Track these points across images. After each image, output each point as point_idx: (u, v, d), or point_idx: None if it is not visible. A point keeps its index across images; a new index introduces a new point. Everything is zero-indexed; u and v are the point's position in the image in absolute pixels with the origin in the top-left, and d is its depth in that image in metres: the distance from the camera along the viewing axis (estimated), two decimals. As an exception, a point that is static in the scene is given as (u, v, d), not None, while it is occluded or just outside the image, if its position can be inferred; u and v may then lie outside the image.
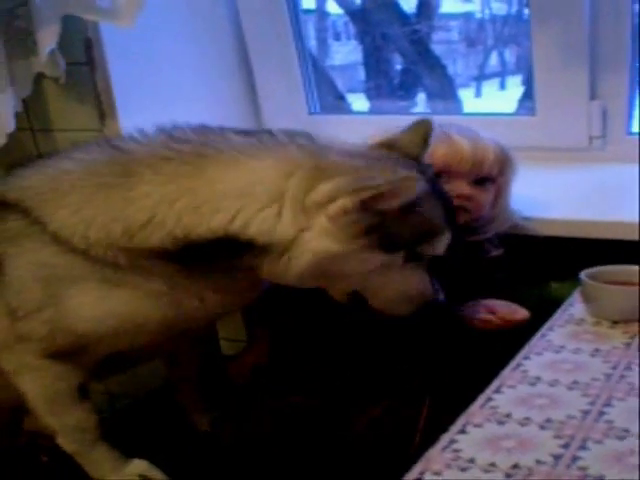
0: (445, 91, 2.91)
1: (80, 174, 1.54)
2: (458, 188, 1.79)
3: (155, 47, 2.25)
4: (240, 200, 1.45)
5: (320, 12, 3.00)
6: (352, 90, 3.03)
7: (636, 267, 1.59)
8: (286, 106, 2.55)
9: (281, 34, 2.49)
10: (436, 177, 1.66)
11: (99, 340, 1.57)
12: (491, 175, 1.85)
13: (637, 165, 2.07)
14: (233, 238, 1.45)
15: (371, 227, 1.45)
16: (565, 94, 2.21)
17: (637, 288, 1.54)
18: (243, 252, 1.48)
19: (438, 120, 1.73)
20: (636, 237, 1.82)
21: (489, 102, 3.07)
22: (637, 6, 2.12)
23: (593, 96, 2.20)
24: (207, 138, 1.54)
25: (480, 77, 3.11)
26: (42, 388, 1.62)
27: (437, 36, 2.97)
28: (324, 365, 1.79)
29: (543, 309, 1.67)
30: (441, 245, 1.57)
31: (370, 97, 3.00)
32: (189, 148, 1.52)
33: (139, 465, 1.64)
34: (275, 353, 1.90)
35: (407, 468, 1.14)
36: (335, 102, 2.86)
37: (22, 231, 1.54)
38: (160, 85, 2.26)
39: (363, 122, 2.50)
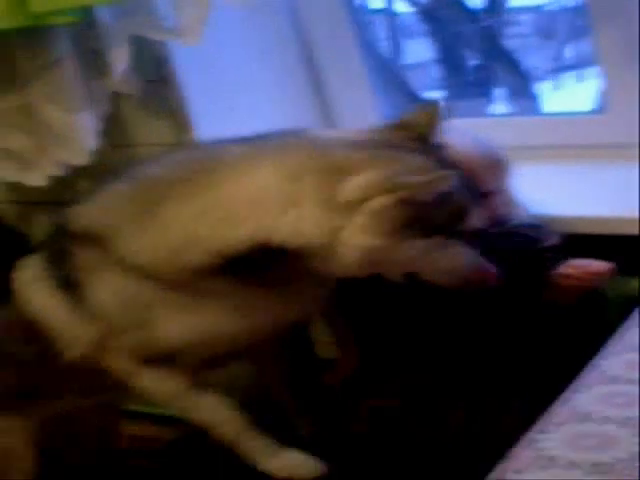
0: (520, 86, 2.92)
1: (124, 203, 1.64)
2: None
3: (225, 61, 2.31)
4: (257, 207, 1.51)
5: (388, 12, 3.03)
6: (428, 88, 3.06)
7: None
8: (358, 113, 2.56)
9: (347, 40, 2.51)
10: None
11: (184, 353, 1.66)
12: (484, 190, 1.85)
13: None
14: (266, 246, 1.50)
15: (409, 219, 1.49)
16: (631, 91, 2.19)
17: None
18: (286, 259, 1.53)
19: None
20: None
21: (568, 95, 3.05)
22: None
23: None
24: (208, 153, 1.62)
25: (557, 70, 3.11)
26: (153, 388, 1.72)
27: (508, 31, 2.99)
28: (411, 364, 1.82)
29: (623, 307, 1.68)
30: (473, 219, 1.61)
31: (448, 95, 3.02)
32: (195, 166, 1.59)
33: (297, 454, 1.70)
34: (365, 356, 1.94)
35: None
36: (408, 106, 2.87)
37: (97, 260, 1.63)
38: (232, 97, 2.31)
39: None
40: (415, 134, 1.62)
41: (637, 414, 1.26)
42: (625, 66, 2.20)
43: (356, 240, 1.49)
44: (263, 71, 2.44)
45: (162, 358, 1.67)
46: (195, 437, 1.82)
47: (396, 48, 3.09)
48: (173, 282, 1.58)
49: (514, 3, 3.02)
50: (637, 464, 1.15)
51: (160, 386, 1.71)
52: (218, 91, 2.29)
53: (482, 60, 3.01)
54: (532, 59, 3.12)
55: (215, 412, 1.71)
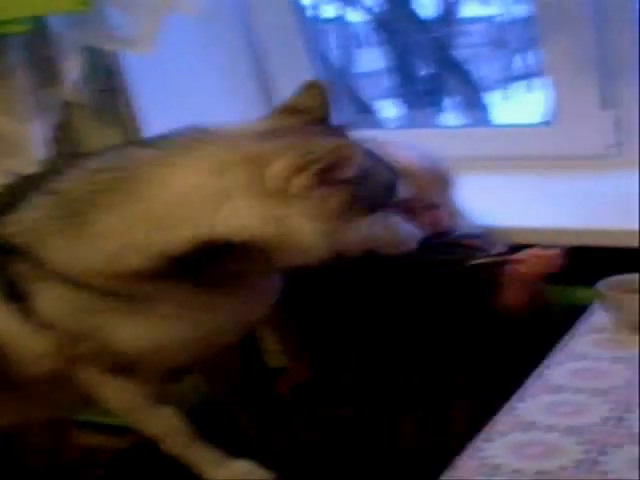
0: (471, 96, 2.94)
1: (48, 216, 1.59)
2: None
3: (176, 70, 2.32)
4: (189, 207, 1.50)
5: (341, 21, 3.03)
6: (379, 97, 3.07)
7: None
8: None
9: (297, 49, 2.53)
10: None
11: (145, 358, 1.63)
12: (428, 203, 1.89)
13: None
14: (210, 244, 1.49)
15: (346, 199, 1.51)
16: (578, 103, 2.24)
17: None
18: (233, 255, 1.52)
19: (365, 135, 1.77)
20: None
21: (517, 104, 3.06)
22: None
23: (606, 105, 2.23)
24: (118, 160, 1.59)
25: (507, 80, 3.11)
26: (117, 399, 1.70)
27: (459, 41, 2.99)
28: (362, 374, 1.84)
29: (567, 316, 1.70)
30: (400, 190, 1.67)
31: (399, 104, 3.03)
32: (111, 176, 1.57)
33: (243, 465, 1.70)
34: (317, 364, 1.95)
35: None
36: (357, 116, 2.90)
37: (33, 271, 1.59)
38: (183, 107, 2.32)
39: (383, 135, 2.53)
40: (311, 117, 1.64)
41: (581, 423, 1.29)
42: (573, 78, 2.23)
43: (310, 225, 1.50)
44: (214, 80, 2.45)
45: (122, 367, 1.65)
46: (143, 447, 1.81)
47: (348, 57, 3.09)
48: (115, 289, 1.56)
49: (466, 14, 3.03)
50: (581, 473, 1.17)
51: (121, 396, 1.70)
52: (169, 100, 2.29)
53: (433, 70, 3.02)
54: (483, 69, 3.14)
55: (165, 424, 1.71)
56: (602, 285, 1.60)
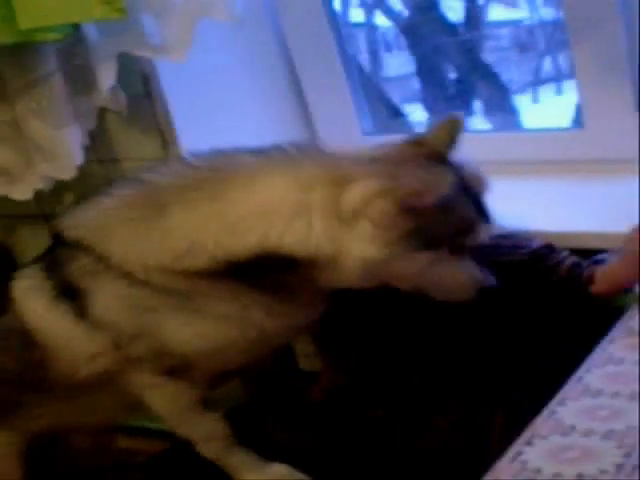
0: (500, 99, 2.95)
1: (120, 210, 1.64)
2: None
3: (211, 78, 2.34)
4: (266, 217, 1.53)
5: (369, 25, 3.06)
6: (409, 101, 3.09)
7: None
8: (340, 128, 2.59)
9: (329, 54, 2.54)
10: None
11: (198, 360, 1.66)
12: None
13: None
14: (273, 254, 1.52)
15: (412, 228, 1.51)
16: (609, 106, 2.24)
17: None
18: (293, 267, 1.54)
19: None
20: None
21: (547, 107, 3.08)
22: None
23: (637, 108, 2.23)
24: (220, 162, 1.62)
25: (536, 83, 3.13)
26: (167, 402, 1.73)
27: (487, 44, 3.01)
28: (396, 377, 1.85)
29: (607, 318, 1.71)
30: (479, 235, 1.63)
31: (427, 107, 3.04)
32: (204, 174, 1.61)
33: (280, 468, 1.71)
34: (351, 371, 1.96)
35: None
36: (389, 120, 2.91)
37: (93, 268, 1.63)
38: (217, 112, 2.34)
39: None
40: (430, 151, 1.63)
41: (620, 427, 1.30)
42: (604, 80, 2.24)
43: (360, 250, 1.51)
44: (247, 86, 2.47)
45: (176, 369, 1.67)
46: (179, 450, 1.83)
47: (376, 61, 3.11)
48: (175, 287, 1.59)
49: (493, 17, 3.04)
50: (621, 476, 1.18)
51: (172, 400, 1.72)
52: (202, 106, 2.31)
53: (461, 74, 3.03)
54: (511, 72, 3.15)
55: (209, 428, 1.73)
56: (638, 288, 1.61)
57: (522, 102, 3.01)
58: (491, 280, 1.65)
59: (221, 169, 1.61)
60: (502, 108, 3.00)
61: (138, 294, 1.61)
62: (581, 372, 1.48)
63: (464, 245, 1.61)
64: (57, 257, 1.71)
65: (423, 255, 1.55)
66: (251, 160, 1.62)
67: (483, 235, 1.64)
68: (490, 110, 3.02)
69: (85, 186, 2.24)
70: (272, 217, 1.53)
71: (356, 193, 1.50)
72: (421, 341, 1.86)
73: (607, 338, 1.60)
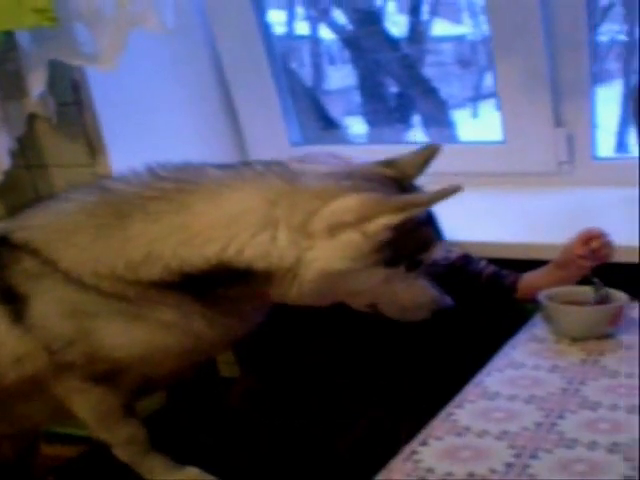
0: (438, 113, 2.99)
1: (79, 215, 1.62)
2: None
3: (141, 86, 2.37)
4: (229, 229, 1.53)
5: (313, 38, 3.09)
6: (350, 113, 3.13)
7: (589, 288, 1.69)
8: (268, 139, 2.64)
9: (259, 66, 2.59)
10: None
11: (130, 366, 1.65)
12: None
13: (604, 188, 2.18)
14: (230, 266, 1.53)
15: (380, 245, 1.52)
16: (531, 122, 2.30)
17: (593, 308, 1.64)
18: (245, 280, 1.56)
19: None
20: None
21: (486, 122, 3.11)
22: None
23: (558, 123, 2.30)
24: (187, 174, 1.62)
25: (476, 97, 3.18)
26: (91, 408, 1.71)
27: (430, 59, 3.05)
28: (314, 382, 1.89)
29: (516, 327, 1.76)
30: (433, 254, 1.65)
31: (367, 120, 3.08)
32: (171, 186, 1.60)
33: (191, 471, 1.71)
34: (267, 377, 1.99)
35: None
36: (321, 132, 2.94)
37: (38, 271, 1.61)
38: (147, 122, 2.37)
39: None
40: (397, 173, 1.65)
41: (514, 428, 1.34)
42: (527, 96, 2.31)
43: (320, 262, 1.52)
44: (178, 96, 2.51)
45: (105, 376, 1.66)
46: (93, 455, 1.85)
47: (319, 74, 3.14)
48: (122, 293, 1.59)
49: (437, 32, 3.09)
50: (510, 476, 1.22)
51: (97, 405, 1.71)
52: (132, 115, 2.34)
53: (402, 88, 3.07)
54: (452, 87, 3.20)
55: (129, 434, 1.73)
56: (542, 296, 1.65)
57: (461, 116, 3.05)
58: (447, 301, 1.67)
59: (187, 181, 1.61)
60: (440, 122, 3.04)
61: (81, 299, 1.60)
62: (481, 376, 1.53)
63: (420, 263, 1.63)
64: (1, 259, 1.68)
65: (381, 271, 1.56)
66: (218, 174, 1.62)
67: (437, 253, 1.66)
68: (428, 124, 3.07)
69: (12, 191, 2.25)
70: (235, 229, 1.53)
71: (346, 206, 1.51)
72: (340, 347, 1.89)
73: (510, 343, 1.65)
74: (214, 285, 1.57)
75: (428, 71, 3.00)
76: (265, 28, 2.59)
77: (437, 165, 2.40)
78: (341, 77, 3.14)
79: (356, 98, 3.11)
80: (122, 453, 1.71)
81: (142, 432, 1.72)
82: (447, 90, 3.07)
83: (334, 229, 1.51)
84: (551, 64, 2.26)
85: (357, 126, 3.12)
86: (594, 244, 1.76)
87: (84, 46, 2.11)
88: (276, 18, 2.88)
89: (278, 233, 1.52)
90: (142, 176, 1.64)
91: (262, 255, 1.52)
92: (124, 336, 1.61)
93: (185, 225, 1.55)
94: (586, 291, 1.69)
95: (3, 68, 2.23)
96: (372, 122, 3.08)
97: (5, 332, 1.63)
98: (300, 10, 3.00)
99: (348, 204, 1.52)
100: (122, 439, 1.71)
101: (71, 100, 2.27)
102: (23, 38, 2.15)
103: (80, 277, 1.58)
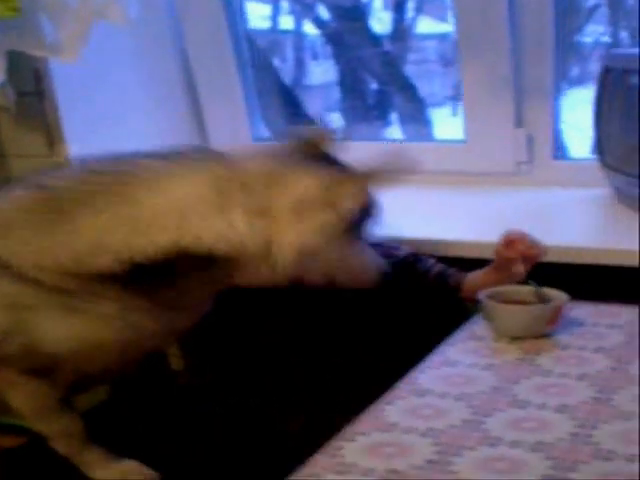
0: (416, 111, 3.00)
1: (16, 212, 1.63)
2: None
3: (102, 77, 2.37)
4: (180, 216, 1.54)
5: (297, 33, 3.11)
6: (327, 110, 3.12)
7: (530, 287, 1.69)
8: (232, 130, 2.65)
9: (223, 58, 2.60)
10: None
11: (66, 360, 1.64)
12: None
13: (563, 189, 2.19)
14: (189, 252, 1.54)
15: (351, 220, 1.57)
16: (492, 122, 2.31)
17: (531, 307, 1.65)
18: (205, 266, 1.57)
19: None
20: (566, 259, 1.92)
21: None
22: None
23: (520, 124, 2.31)
24: (123, 166, 1.64)
25: (456, 96, 3.19)
26: (27, 400, 1.71)
27: (412, 57, 3.06)
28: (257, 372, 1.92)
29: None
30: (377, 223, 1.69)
31: (345, 116, 3.08)
32: (110, 178, 1.61)
33: (129, 464, 1.72)
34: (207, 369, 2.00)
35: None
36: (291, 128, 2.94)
37: None
38: (108, 113, 2.38)
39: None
40: (314, 149, 1.68)
41: (440, 425, 1.35)
42: (488, 97, 2.32)
43: (293, 244, 1.55)
44: (140, 87, 2.52)
45: (40, 370, 1.66)
46: (31, 447, 1.85)
47: (301, 69, 3.15)
48: (64, 286, 1.58)
49: (421, 30, 3.10)
50: (432, 472, 1.23)
51: (32, 399, 1.71)
52: (93, 107, 2.35)
53: (381, 84, 3.08)
54: (433, 85, 3.21)
55: (65, 427, 1.73)
56: (482, 295, 1.66)
57: (440, 115, 3.06)
58: (386, 265, 1.73)
59: (126, 173, 1.62)
60: (417, 120, 3.05)
61: (20, 292, 1.60)
62: (415, 373, 1.53)
63: (363, 230, 1.67)
64: None
65: (342, 242, 1.61)
66: (155, 163, 1.63)
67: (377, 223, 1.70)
68: (406, 121, 3.08)
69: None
70: (187, 216, 1.54)
71: (308, 185, 1.55)
72: (285, 337, 1.91)
73: (448, 341, 1.66)
74: (164, 275, 1.57)
75: (409, 69, 3.01)
76: (233, 21, 2.59)
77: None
78: (322, 72, 3.15)
79: (336, 94, 3.12)
80: (59, 446, 1.71)
81: (79, 425, 1.72)
82: (427, 88, 3.09)
83: (300, 210, 1.54)
84: (515, 64, 2.27)
85: (335, 122, 3.11)
86: (520, 247, 1.78)
87: (47, 37, 2.11)
88: (260, 12, 2.91)
89: (233, 217, 1.54)
90: (77, 171, 1.66)
91: (221, 240, 1.53)
92: (61, 330, 1.61)
93: (133, 215, 1.56)
94: (526, 291, 1.69)
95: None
96: (350, 119, 3.07)
97: None
98: (285, 5, 3.02)
99: (308, 184, 1.55)
100: (58, 432, 1.72)
101: (32, 90, 2.28)
102: (-18, 27, 2.15)
103: (20, 270, 1.58)
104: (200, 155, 1.64)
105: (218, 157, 1.63)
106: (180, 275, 1.59)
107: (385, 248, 1.93)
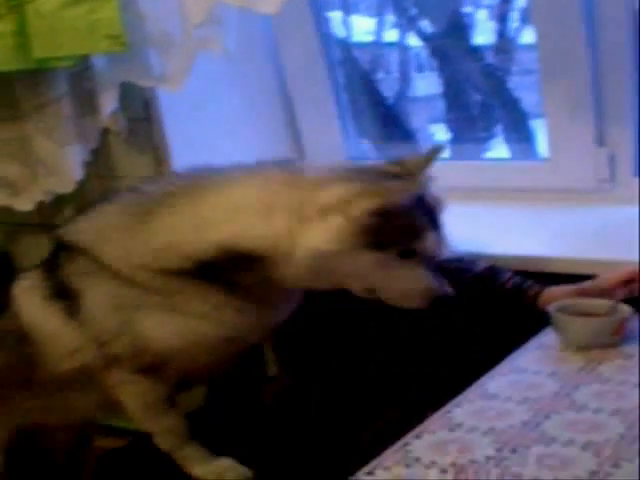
0: (518, 124, 3.00)
1: (116, 215, 1.81)
2: None
3: (204, 102, 2.55)
4: (232, 217, 1.67)
5: (401, 46, 3.14)
6: (430, 122, 3.17)
7: (603, 301, 1.76)
8: (326, 154, 2.76)
9: (322, 85, 2.71)
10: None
11: (171, 358, 1.78)
12: None
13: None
14: (234, 252, 1.66)
15: (364, 229, 1.63)
16: (574, 140, 2.39)
17: (597, 319, 1.72)
18: (250, 266, 1.68)
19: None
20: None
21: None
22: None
23: (601, 143, 2.38)
24: (203, 172, 1.79)
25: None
26: (138, 398, 1.84)
27: (515, 68, 3.02)
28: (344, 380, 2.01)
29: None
30: (430, 243, 1.72)
31: (451, 128, 3.11)
32: (188, 182, 1.77)
33: (225, 461, 1.82)
34: (300, 375, 2.12)
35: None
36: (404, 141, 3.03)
37: (88, 268, 1.78)
38: (210, 135, 2.55)
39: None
40: (402, 170, 1.76)
41: (502, 426, 1.45)
42: (571, 117, 2.39)
43: (306, 243, 1.63)
44: (240, 110, 2.67)
45: (151, 368, 1.78)
46: (136, 446, 1.98)
47: (405, 81, 3.17)
48: (157, 286, 1.72)
49: (525, 41, 3.12)
50: (491, 467, 1.33)
51: (144, 396, 1.83)
52: (195, 129, 2.52)
53: (484, 96, 3.08)
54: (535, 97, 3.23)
55: (169, 424, 1.84)
56: (552, 308, 1.75)
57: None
58: (448, 290, 1.74)
59: (202, 177, 1.77)
60: (520, 134, 3.05)
61: (125, 293, 1.74)
62: (485, 378, 1.63)
63: (414, 251, 1.69)
64: (57, 260, 1.85)
65: (371, 255, 1.65)
66: (228, 169, 1.78)
67: (433, 245, 1.72)
68: (508, 134, 3.07)
69: (84, 199, 2.47)
70: (238, 216, 1.67)
71: (335, 192, 1.63)
72: (371, 347, 2.02)
73: (518, 351, 1.75)
74: (227, 273, 1.69)
75: (514, 80, 2.99)
76: (326, 39, 2.70)
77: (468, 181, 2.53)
78: (426, 84, 3.16)
79: (440, 105, 3.11)
80: (163, 442, 1.83)
81: (182, 423, 1.84)
82: (530, 99, 3.08)
83: (324, 213, 1.62)
84: (595, 82, 2.33)
85: (440, 134, 3.13)
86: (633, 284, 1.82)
87: (154, 69, 2.30)
88: (364, 26, 3.00)
89: (275, 219, 1.64)
90: (167, 178, 1.81)
91: (260, 239, 1.64)
92: (166, 328, 1.74)
93: (195, 214, 1.70)
94: (595, 304, 1.76)
95: (79, 85, 2.42)
96: (454, 130, 3.10)
97: (61, 327, 1.79)
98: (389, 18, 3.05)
99: (337, 190, 1.63)
100: (164, 428, 1.84)
101: (142, 116, 2.46)
102: (98, 60, 2.35)
103: (119, 271, 1.73)
104: (273, 164, 1.76)
105: (288, 165, 1.75)
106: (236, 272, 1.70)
107: (464, 263, 2.03)
